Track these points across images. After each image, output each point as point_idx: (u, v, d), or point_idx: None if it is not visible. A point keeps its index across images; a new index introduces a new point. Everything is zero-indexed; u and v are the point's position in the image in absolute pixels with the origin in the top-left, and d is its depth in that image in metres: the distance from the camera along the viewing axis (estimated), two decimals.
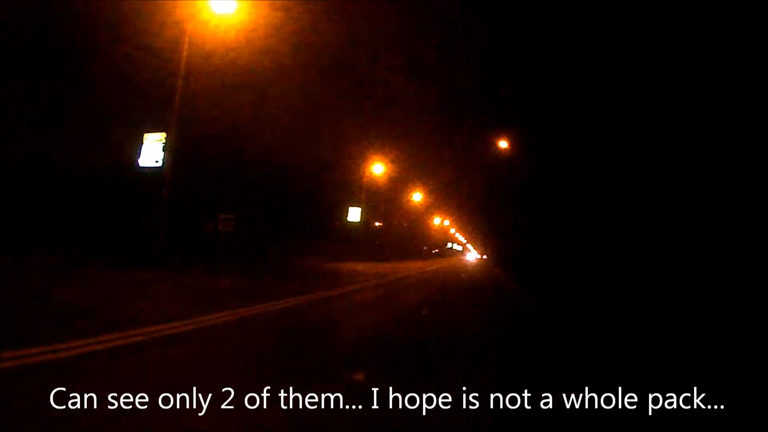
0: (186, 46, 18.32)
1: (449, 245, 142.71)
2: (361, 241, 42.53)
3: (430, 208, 78.85)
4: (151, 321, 7.90)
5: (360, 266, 31.78)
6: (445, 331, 10.42)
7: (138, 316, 8.38)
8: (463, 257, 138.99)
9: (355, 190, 41.68)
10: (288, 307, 11.62)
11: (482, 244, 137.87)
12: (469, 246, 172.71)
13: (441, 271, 39.38)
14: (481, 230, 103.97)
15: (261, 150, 33.57)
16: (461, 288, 24.69)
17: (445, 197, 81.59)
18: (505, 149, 31.75)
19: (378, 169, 41.42)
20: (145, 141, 20.43)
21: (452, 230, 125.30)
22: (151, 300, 10.97)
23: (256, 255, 27.79)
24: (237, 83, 26.00)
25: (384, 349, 7.93)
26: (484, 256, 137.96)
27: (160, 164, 18.94)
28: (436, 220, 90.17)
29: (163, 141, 18.77)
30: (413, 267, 38.62)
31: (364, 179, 41.08)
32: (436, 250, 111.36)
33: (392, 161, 47.89)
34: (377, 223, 64.27)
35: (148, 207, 19.53)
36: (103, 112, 21.84)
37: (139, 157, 20.56)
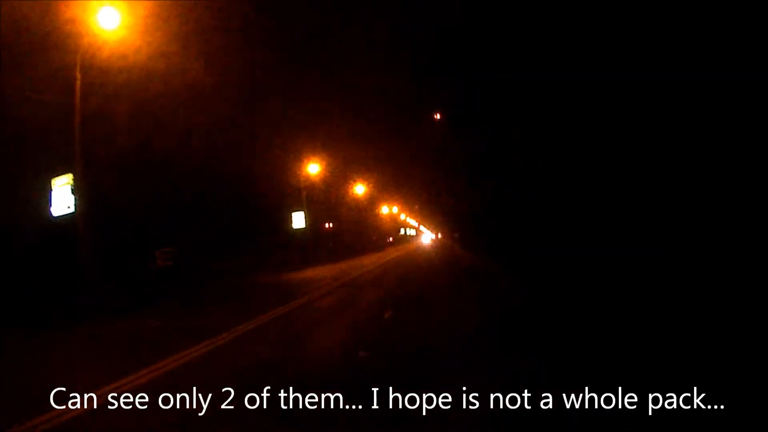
0: (78, 69, 16.61)
1: (402, 231, 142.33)
2: (311, 246, 41.09)
3: (376, 199, 77.96)
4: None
5: (313, 272, 30.53)
6: (414, 339, 9.33)
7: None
8: (418, 241, 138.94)
9: (296, 194, 40.25)
10: (232, 339, 10.48)
11: (436, 225, 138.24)
12: (422, 228, 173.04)
13: (398, 262, 38.51)
14: (434, 210, 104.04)
15: (192, 172, 31.93)
16: (423, 276, 23.77)
17: (390, 185, 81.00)
18: (441, 121, 31.01)
19: (315, 168, 40.00)
20: (54, 187, 18.61)
21: (402, 216, 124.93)
22: (46, 368, 8.89)
23: (203, 282, 26.23)
24: (146, 104, 24.33)
25: (342, 383, 6.43)
26: (439, 236, 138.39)
27: (72, 209, 17.15)
28: (384, 209, 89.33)
29: (71, 183, 16.99)
30: (368, 262, 37.59)
31: (303, 182, 39.65)
32: (390, 239, 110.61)
33: (331, 160, 46.75)
34: (328, 225, 62.96)
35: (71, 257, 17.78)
36: (4, 163, 19.94)
37: (50, 205, 18.73)
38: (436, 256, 44.25)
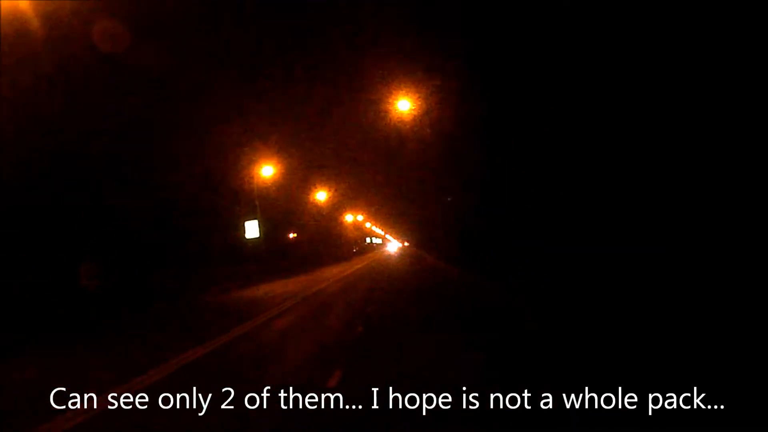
0: None
1: (368, 240, 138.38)
2: (266, 258, 36.70)
3: (340, 207, 73.88)
4: None
5: (269, 288, 26.45)
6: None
7: None
8: (385, 249, 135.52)
9: (250, 201, 35.92)
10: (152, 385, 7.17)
11: (402, 233, 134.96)
12: (388, 237, 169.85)
13: (364, 273, 34.63)
14: (402, 218, 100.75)
15: (124, 182, 27.71)
16: (395, 289, 19.99)
17: (355, 192, 77.17)
18: (409, 113, 27.44)
19: (269, 171, 35.69)
20: None
21: (368, 224, 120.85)
22: None
23: (134, 304, 21.93)
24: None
25: None
26: (406, 244, 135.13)
27: None
28: (348, 218, 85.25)
29: None
30: (330, 275, 33.63)
31: (256, 187, 35.34)
32: (356, 249, 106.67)
33: (289, 163, 42.58)
34: (292, 235, 58.93)
35: None
36: None
37: None
38: (404, 265, 40.59)
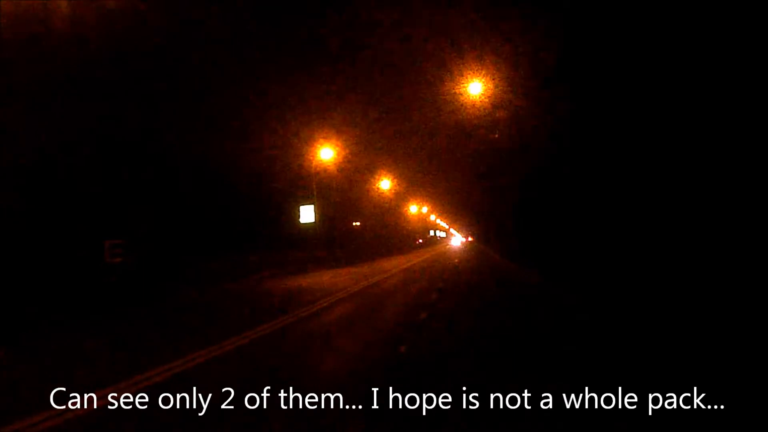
0: None
1: (432, 233, 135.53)
2: (321, 245, 34.49)
3: (403, 197, 71.41)
4: None
5: (315, 279, 24.29)
6: None
7: None
8: (448, 243, 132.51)
9: (308, 185, 33.84)
10: None
11: (467, 227, 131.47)
12: (452, 231, 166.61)
13: (424, 268, 32.05)
14: (466, 212, 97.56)
15: (178, 152, 26.22)
16: (456, 295, 17.33)
17: (420, 182, 74.56)
18: (481, 98, 24.61)
19: (328, 154, 33.44)
20: None
21: (432, 217, 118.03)
22: None
23: (167, 288, 20.18)
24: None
25: None
26: (470, 239, 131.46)
27: None
28: (413, 209, 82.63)
29: None
30: (389, 268, 31.19)
31: (314, 169, 33.21)
32: (420, 241, 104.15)
33: (351, 145, 40.41)
34: (355, 223, 57.11)
35: None
36: None
37: None
38: (470, 262, 37.77)
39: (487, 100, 25.30)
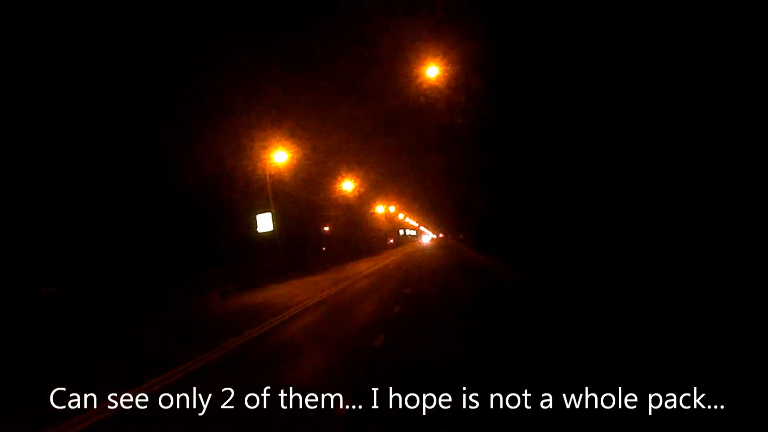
0: None
1: (402, 232, 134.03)
2: (283, 254, 32.36)
3: (368, 198, 69.61)
4: None
5: (272, 293, 22.42)
6: None
7: None
8: (418, 241, 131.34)
9: (262, 193, 31.73)
10: None
11: (436, 224, 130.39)
12: (423, 228, 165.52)
13: (392, 270, 30.40)
14: (434, 209, 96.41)
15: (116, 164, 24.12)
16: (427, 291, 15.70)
17: (386, 181, 72.91)
18: (438, 78, 23.08)
19: (283, 157, 31.36)
20: None
21: (401, 216, 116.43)
22: None
23: (105, 315, 18.16)
24: None
25: None
26: (440, 235, 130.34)
27: None
28: (379, 209, 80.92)
29: None
30: (360, 270, 29.45)
31: (269, 173, 31.12)
32: (391, 241, 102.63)
33: (309, 149, 38.41)
34: (325, 228, 55.17)
35: None
36: None
37: None
38: (437, 258, 36.25)
39: (445, 82, 23.69)
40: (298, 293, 20.20)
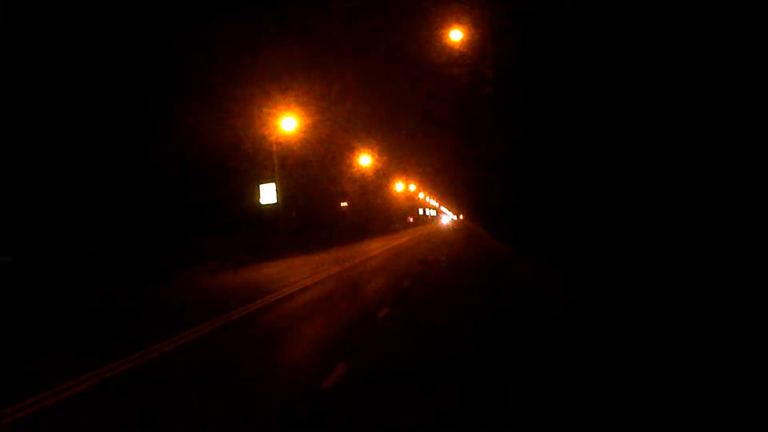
0: None
1: (421, 212, 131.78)
2: (283, 229, 29.97)
3: (387, 174, 67.35)
4: None
5: (277, 269, 20.36)
6: None
7: None
8: (438, 222, 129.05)
9: (268, 163, 29.46)
10: None
11: (457, 205, 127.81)
12: (443, 209, 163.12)
13: (402, 250, 28.24)
14: (454, 189, 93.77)
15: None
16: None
17: (405, 157, 70.63)
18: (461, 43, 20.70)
19: (291, 125, 29.00)
20: None
21: (421, 195, 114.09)
22: None
23: (73, 294, 16.24)
24: None
25: None
26: (460, 216, 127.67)
27: None
28: (399, 186, 78.62)
29: None
30: (370, 251, 27.31)
31: (274, 143, 28.86)
32: (411, 219, 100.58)
33: (322, 117, 36.17)
34: (343, 204, 53.11)
35: None
36: None
37: None
38: (456, 243, 34.00)
39: (469, 47, 21.20)
40: (284, 274, 18.09)
